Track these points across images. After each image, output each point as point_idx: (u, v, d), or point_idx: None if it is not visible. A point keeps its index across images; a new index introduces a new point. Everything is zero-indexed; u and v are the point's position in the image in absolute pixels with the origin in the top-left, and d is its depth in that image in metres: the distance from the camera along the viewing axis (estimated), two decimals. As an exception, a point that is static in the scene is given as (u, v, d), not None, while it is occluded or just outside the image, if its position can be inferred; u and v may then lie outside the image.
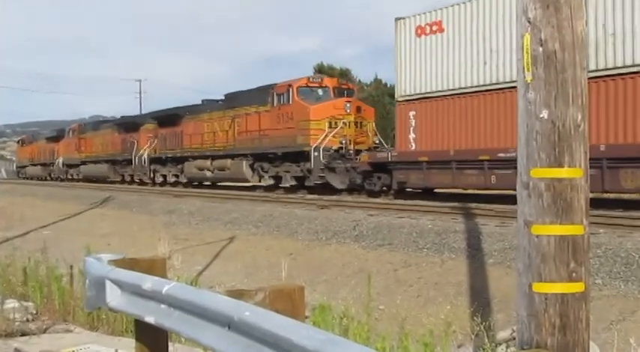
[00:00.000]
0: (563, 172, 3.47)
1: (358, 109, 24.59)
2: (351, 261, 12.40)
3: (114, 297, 4.98)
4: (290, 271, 12.04)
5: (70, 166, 48.83)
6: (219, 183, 31.35)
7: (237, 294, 3.82)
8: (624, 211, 15.14)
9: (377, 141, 24.44)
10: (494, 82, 18.10)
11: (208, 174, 31.07)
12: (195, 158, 31.85)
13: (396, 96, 21.59)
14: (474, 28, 18.73)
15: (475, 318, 7.90)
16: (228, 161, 28.87)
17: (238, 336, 3.58)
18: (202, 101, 34.85)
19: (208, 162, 30.66)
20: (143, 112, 55.35)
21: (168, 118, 34.98)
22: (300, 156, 24.46)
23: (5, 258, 10.99)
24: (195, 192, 29.09)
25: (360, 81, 78.87)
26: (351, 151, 23.34)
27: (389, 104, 72.72)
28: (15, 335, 6.95)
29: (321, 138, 23.48)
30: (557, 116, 3.47)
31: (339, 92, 25.11)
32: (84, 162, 45.89)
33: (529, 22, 3.52)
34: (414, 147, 20.65)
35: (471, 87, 18.78)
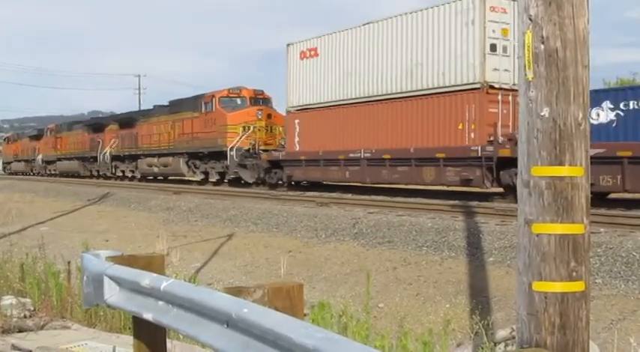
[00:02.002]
0: (564, 170, 3.47)
1: (269, 116, 29.76)
2: (351, 259, 12.41)
3: (112, 294, 4.98)
4: (289, 269, 12.05)
5: (48, 162, 53.99)
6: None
7: (236, 292, 3.82)
8: (625, 210, 15.16)
9: (283, 143, 28.19)
10: (351, 97, 23.44)
11: (156, 169, 36.32)
12: (146, 156, 37.15)
13: (286, 107, 26.82)
14: (338, 54, 24.04)
15: (474, 317, 7.91)
16: (170, 158, 34.26)
17: (237, 334, 3.59)
18: (154, 106, 39.83)
19: (156, 160, 35.99)
20: (142, 108, 57.56)
21: (126, 121, 40.35)
22: (220, 155, 29.56)
23: (2, 254, 10.98)
24: (194, 188, 29.23)
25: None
26: (259, 151, 27.98)
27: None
28: (12, 332, 6.96)
29: (236, 140, 28.63)
30: (559, 114, 3.47)
31: (255, 101, 30.23)
32: (59, 159, 51.16)
33: (530, 19, 3.52)
34: (297, 148, 25.85)
35: (336, 101, 24.10)
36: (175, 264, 12.86)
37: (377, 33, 22.54)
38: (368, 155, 22.29)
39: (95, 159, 43.81)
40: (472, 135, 19.18)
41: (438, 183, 20.59)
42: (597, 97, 16.33)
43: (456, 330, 8.37)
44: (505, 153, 17.92)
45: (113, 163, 41.59)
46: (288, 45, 26.46)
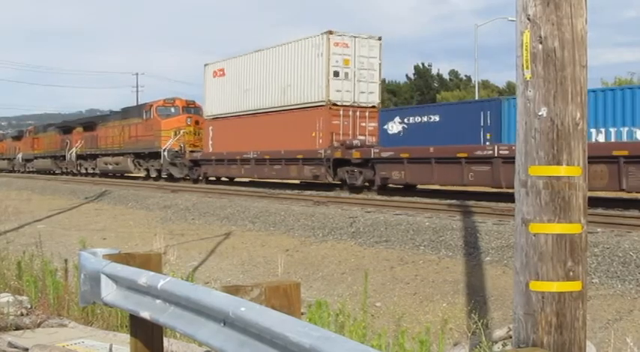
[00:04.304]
0: (562, 170, 3.47)
1: (197, 122, 35.63)
2: (348, 258, 12.41)
3: (109, 292, 4.98)
4: (286, 267, 12.05)
5: (27, 161, 60.29)
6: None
7: (233, 290, 3.82)
8: (623, 210, 15.18)
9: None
10: (246, 109, 30.17)
11: (110, 167, 42.11)
12: (103, 155, 43.06)
13: (204, 116, 33.89)
14: (238, 74, 30.81)
15: (472, 316, 7.92)
16: (121, 158, 40.11)
17: (234, 332, 3.59)
18: (110, 112, 48.10)
19: (110, 159, 41.77)
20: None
21: (89, 124, 46.69)
22: (157, 155, 35.74)
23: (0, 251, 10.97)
24: (192, 187, 29.26)
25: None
26: (184, 152, 34.10)
27: (387, 100, 72.55)
28: (9, 329, 6.95)
29: (169, 142, 34.76)
30: (556, 114, 3.47)
31: (187, 110, 36.52)
32: (36, 158, 57.54)
33: (528, 19, 3.52)
34: (211, 150, 32.43)
35: (236, 112, 30.73)
36: (172, 262, 12.85)
37: (263, 59, 29.16)
38: (255, 156, 28.40)
39: (64, 158, 49.81)
40: (320, 141, 25.16)
41: (299, 178, 26.72)
42: (391, 114, 23.49)
43: (453, 329, 8.38)
44: (338, 154, 23.94)
45: (78, 161, 47.66)
46: (205, 65, 33.69)
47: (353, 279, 11.00)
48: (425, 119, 21.93)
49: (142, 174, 38.61)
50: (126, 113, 41.19)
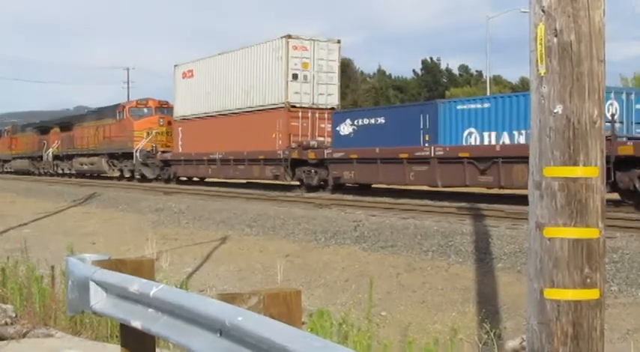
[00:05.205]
0: (578, 171, 3.47)
1: (169, 123, 37.05)
2: (352, 264, 12.41)
3: (98, 300, 4.98)
4: (286, 274, 12.05)
5: (4, 161, 62.44)
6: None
7: (230, 298, 3.82)
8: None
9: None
10: (212, 110, 32.18)
11: (85, 167, 43.97)
12: (79, 156, 44.89)
13: (174, 117, 35.87)
14: (205, 76, 32.86)
15: (483, 326, 7.92)
16: (96, 158, 42.06)
17: (230, 343, 3.59)
18: (87, 112, 49.86)
19: (85, 159, 43.71)
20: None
21: (66, 124, 48.49)
22: (130, 156, 37.51)
23: (-18, 257, 10.97)
24: (186, 189, 29.34)
25: (362, 72, 79.09)
26: (155, 152, 35.91)
27: (394, 97, 72.62)
28: (-8, 340, 6.95)
29: (141, 143, 36.54)
30: (573, 111, 3.47)
31: (160, 110, 38.24)
32: (14, 158, 59.61)
33: (543, 11, 3.51)
34: (180, 150, 34.56)
35: (203, 113, 32.86)
36: (165, 268, 12.85)
37: (228, 61, 31.12)
38: (221, 156, 30.36)
39: (41, 158, 51.65)
40: (280, 142, 27.02)
41: (261, 178, 28.84)
42: (343, 116, 25.52)
43: (464, 340, 8.38)
44: (295, 155, 25.82)
45: (55, 162, 49.40)
46: (175, 65, 35.90)
47: (357, 287, 11.00)
48: (372, 121, 23.91)
49: (116, 174, 40.26)
50: (100, 113, 43.28)
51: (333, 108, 27.81)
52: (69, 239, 14.74)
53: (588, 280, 3.48)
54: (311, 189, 25.40)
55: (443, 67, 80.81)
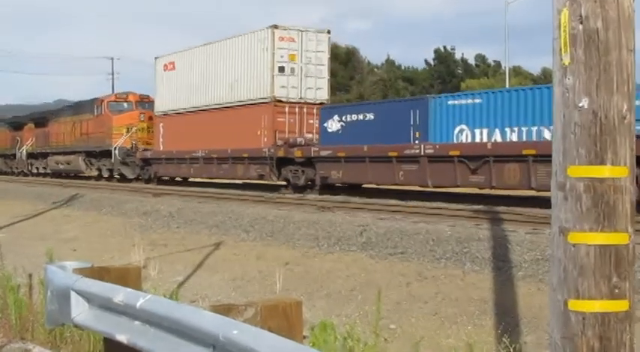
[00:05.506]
0: (606, 171, 3.47)
1: (150, 118, 37.21)
2: (357, 273, 12.42)
3: (80, 312, 4.99)
4: (285, 283, 12.06)
5: None
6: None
7: (224, 310, 3.83)
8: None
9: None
10: (195, 105, 32.59)
11: (61, 166, 44.13)
12: (54, 154, 45.23)
13: (155, 112, 35.96)
14: (188, 68, 33.22)
15: (502, 341, 7.92)
16: (72, 156, 42.33)
17: (224, 359, 3.59)
18: (64, 107, 49.89)
19: (61, 158, 43.93)
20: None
21: (41, 120, 48.85)
22: (109, 154, 37.71)
23: (-47, 265, 10.98)
24: (177, 190, 29.38)
25: (369, 62, 79.19)
26: (135, 150, 36.16)
27: (403, 89, 72.73)
28: (-36, 355, 6.96)
29: (120, 140, 36.85)
30: (600, 105, 3.46)
31: (141, 105, 38.50)
32: None
33: (567, -5, 3.51)
34: (161, 148, 34.82)
35: (186, 108, 33.29)
36: (154, 277, 12.86)
37: (211, 53, 31.54)
38: (203, 154, 30.94)
39: (15, 156, 52.22)
40: (265, 139, 27.53)
41: (245, 178, 29.54)
42: (330, 112, 26.03)
43: (480, 356, 8.38)
44: (281, 153, 26.45)
45: (29, 161, 50.02)
46: (156, 58, 36.31)
47: (363, 297, 11.01)
48: (361, 117, 24.52)
49: (94, 173, 40.84)
50: (78, 108, 43.64)
51: (322, 103, 28.16)
52: (48, 244, 14.75)
53: (616, 290, 3.48)
54: (298, 189, 25.94)
55: (457, 56, 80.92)
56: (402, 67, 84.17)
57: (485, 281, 10.82)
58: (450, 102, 21.70)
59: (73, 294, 5.00)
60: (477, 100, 20.80)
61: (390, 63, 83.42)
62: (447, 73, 77.31)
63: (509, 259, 11.43)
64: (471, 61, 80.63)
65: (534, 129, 19.13)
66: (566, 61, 3.51)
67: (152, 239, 17.55)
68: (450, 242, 13.00)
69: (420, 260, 12.44)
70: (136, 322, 4.44)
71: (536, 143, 18.62)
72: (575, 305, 3.49)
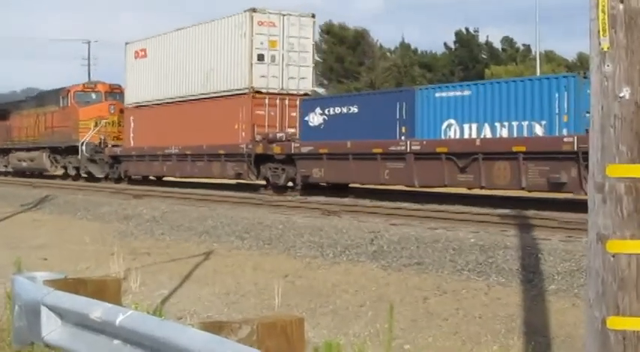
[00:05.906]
0: (650, 170, 3.46)
1: (121, 111, 37.52)
2: (367, 286, 12.42)
3: (52, 329, 5.00)
4: (285, 298, 12.07)
5: None
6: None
7: (215, 328, 3.84)
8: None
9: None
10: (167, 97, 33.12)
11: (24, 164, 44.69)
12: (17, 150, 45.84)
13: (125, 104, 36.34)
14: (160, 56, 33.60)
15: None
16: (36, 153, 42.47)
17: (216, 383, 3.60)
18: (26, 97, 50.42)
19: (24, 154, 44.33)
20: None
21: (1, 112, 48.94)
22: (75, 150, 37.87)
23: None
24: (161, 191, 29.41)
25: (381, 46, 79.18)
26: (104, 146, 36.53)
27: (420, 77, 72.69)
28: None
29: (87, 135, 37.11)
30: (643, 96, 3.46)
31: (111, 95, 39.03)
32: None
33: (607, -30, 3.51)
34: (132, 144, 35.07)
35: (158, 100, 33.63)
36: (135, 290, 12.88)
37: (185, 39, 32.03)
38: (176, 151, 31.35)
39: None
40: (243, 134, 27.86)
41: (221, 177, 29.99)
42: (312, 104, 26.32)
43: (506, 381, 8.39)
44: (259, 150, 26.78)
45: None
46: (126, 44, 36.77)
47: (374, 314, 11.02)
48: (344, 110, 25.02)
49: (59, 172, 41.09)
50: (42, 99, 43.80)
51: (306, 94, 28.48)
52: (15, 253, 14.78)
53: (662, 306, 3.48)
54: (278, 189, 26.38)
55: (482, 39, 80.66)
56: (419, 52, 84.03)
57: (512, 296, 10.82)
58: (437, 95, 22.05)
59: (43, 309, 5.02)
60: (466, 92, 21.19)
61: (404, 47, 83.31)
62: (469, 59, 77.17)
63: (539, 271, 11.43)
64: (497, 45, 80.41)
65: (525, 124, 19.64)
66: (605, 45, 3.51)
67: (133, 247, 17.57)
68: (472, 251, 12.99)
69: (439, 271, 12.44)
70: (116, 341, 4.45)
71: (526, 139, 19.13)
72: (615, 322, 3.49)
